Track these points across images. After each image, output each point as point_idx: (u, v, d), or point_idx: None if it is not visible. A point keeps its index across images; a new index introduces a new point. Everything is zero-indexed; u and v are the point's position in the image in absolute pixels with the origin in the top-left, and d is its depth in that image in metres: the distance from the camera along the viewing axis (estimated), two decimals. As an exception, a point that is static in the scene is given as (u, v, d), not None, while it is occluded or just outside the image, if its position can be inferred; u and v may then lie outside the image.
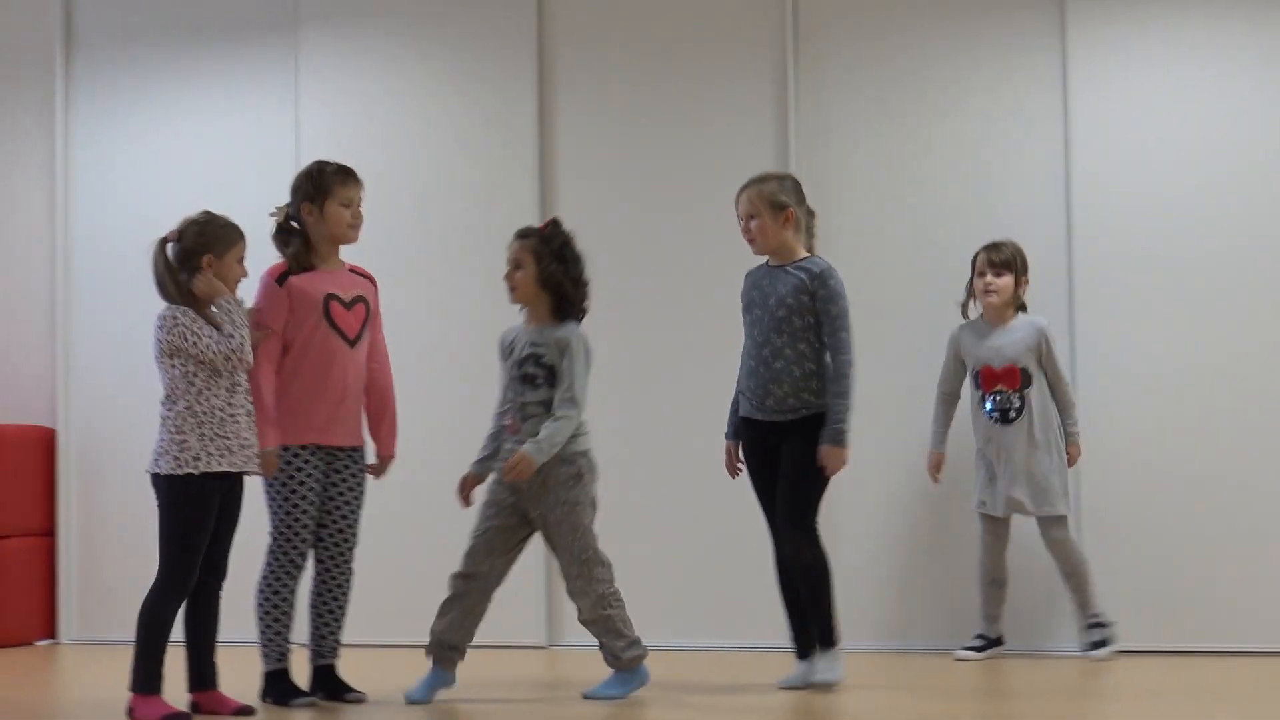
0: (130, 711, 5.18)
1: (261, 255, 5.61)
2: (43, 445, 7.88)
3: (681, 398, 7.14)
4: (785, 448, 5.68)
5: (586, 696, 5.58)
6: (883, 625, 6.95)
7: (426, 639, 5.61)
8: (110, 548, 7.73)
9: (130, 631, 5.19)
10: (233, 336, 5.16)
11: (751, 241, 5.82)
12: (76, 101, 8.02)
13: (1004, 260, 6.59)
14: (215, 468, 5.18)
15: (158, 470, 5.19)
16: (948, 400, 6.68)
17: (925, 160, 7.06)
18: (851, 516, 6.99)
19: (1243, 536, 6.63)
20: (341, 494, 5.61)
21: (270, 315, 5.52)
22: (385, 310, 5.83)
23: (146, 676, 5.18)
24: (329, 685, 5.61)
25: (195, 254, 5.25)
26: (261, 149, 7.67)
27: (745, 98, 7.23)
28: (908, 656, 6.70)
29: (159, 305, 5.24)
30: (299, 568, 5.55)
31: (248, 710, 5.29)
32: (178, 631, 5.26)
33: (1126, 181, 6.83)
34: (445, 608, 5.59)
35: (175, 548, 5.18)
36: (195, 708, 5.29)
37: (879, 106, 7.12)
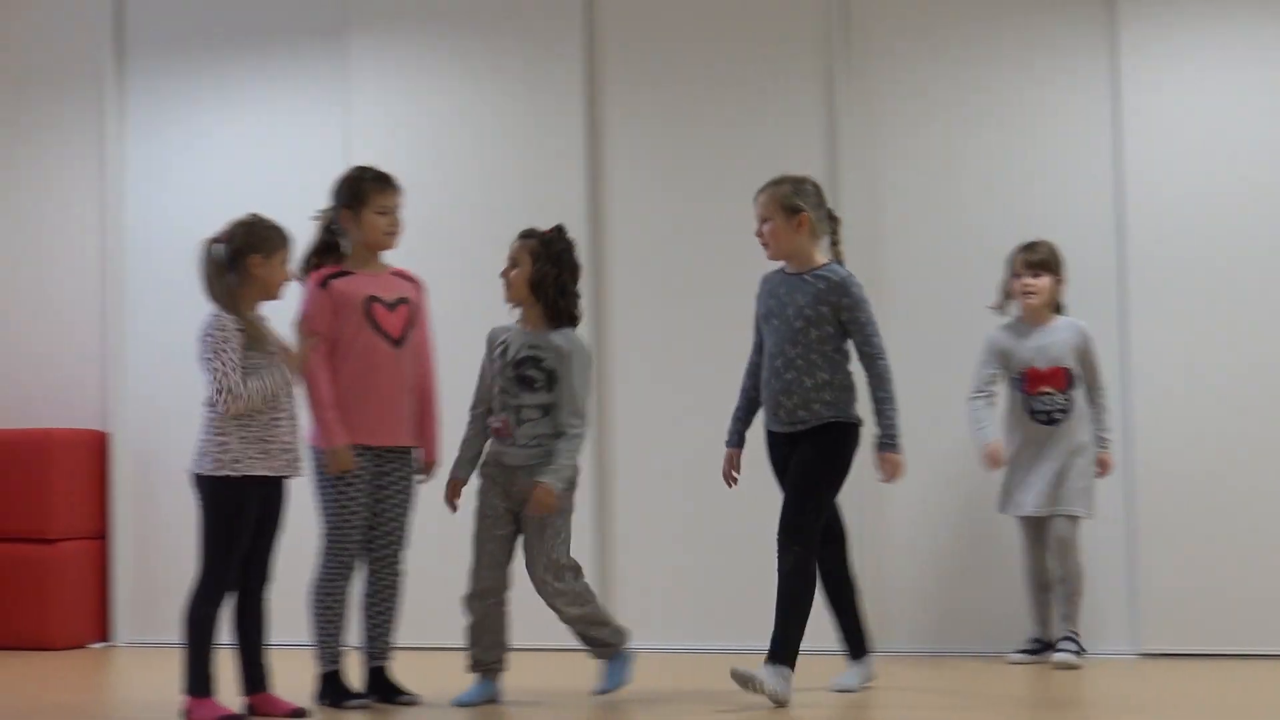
0: (185, 714, 5.21)
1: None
2: (95, 449, 7.93)
3: (728, 398, 7.12)
4: (793, 457, 5.55)
5: (598, 693, 5.59)
6: (925, 629, 6.94)
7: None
8: (163, 550, 7.76)
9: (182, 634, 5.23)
10: (231, 382, 5.15)
11: (765, 246, 5.68)
12: (127, 108, 8.07)
13: (1040, 260, 6.50)
14: (254, 471, 5.21)
15: (198, 470, 5.22)
16: (988, 402, 6.57)
17: (974, 162, 7.03)
18: (893, 520, 6.97)
19: (1299, 540, 6.60)
20: (390, 495, 5.63)
21: (316, 319, 5.55)
22: (434, 313, 5.84)
23: (198, 679, 5.21)
24: (381, 687, 5.63)
25: (243, 255, 5.28)
26: (311, 154, 7.69)
27: (793, 98, 7.22)
28: (952, 660, 6.68)
29: (208, 309, 5.27)
30: (351, 569, 5.56)
31: (301, 712, 5.31)
32: (228, 634, 5.29)
33: (1178, 182, 6.78)
34: (475, 634, 5.60)
35: (213, 549, 5.22)
36: (249, 710, 5.32)
37: (927, 107, 7.10)
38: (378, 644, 5.65)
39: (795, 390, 5.54)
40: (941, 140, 7.08)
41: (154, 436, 7.85)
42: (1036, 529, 6.48)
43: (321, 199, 5.77)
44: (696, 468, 6.93)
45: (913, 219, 7.08)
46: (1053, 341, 6.48)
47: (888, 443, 5.56)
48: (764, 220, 5.64)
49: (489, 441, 5.67)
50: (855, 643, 5.78)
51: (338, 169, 5.89)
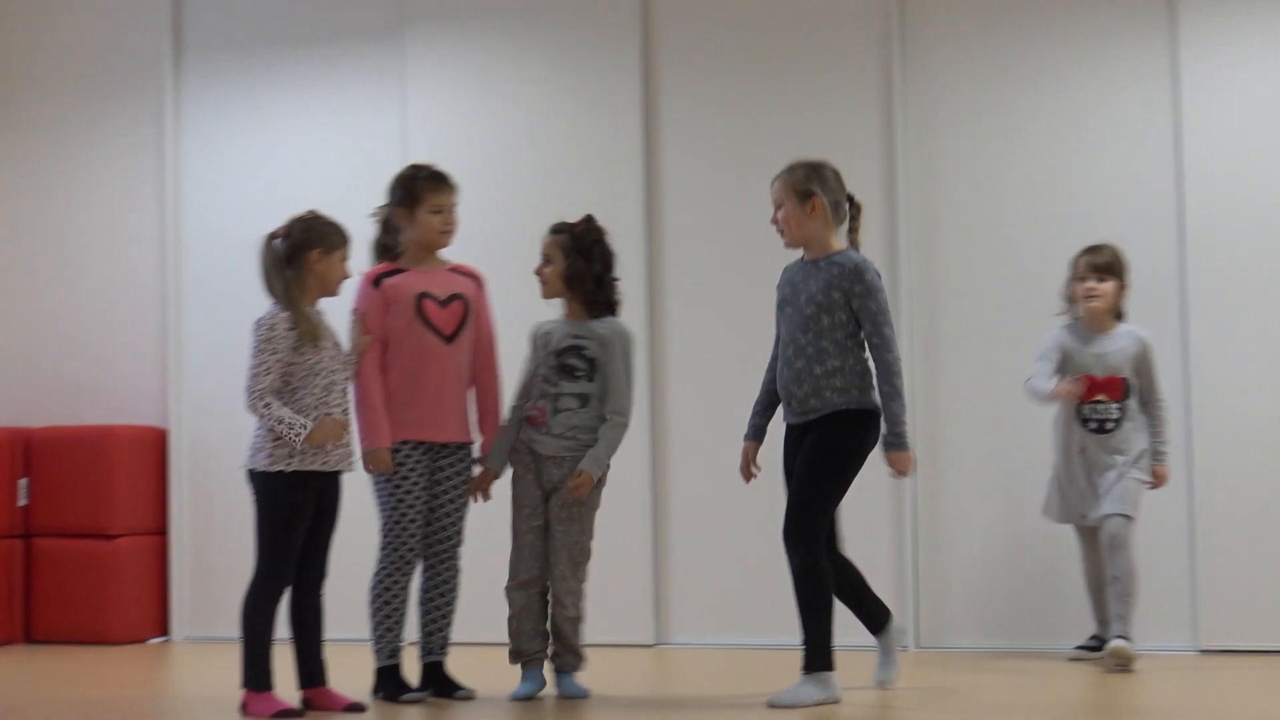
0: (243, 707, 5.24)
1: (366, 258, 5.69)
2: (155, 446, 7.98)
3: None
4: (802, 447, 5.40)
5: (563, 695, 5.60)
6: (984, 626, 6.92)
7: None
8: (221, 546, 7.81)
9: (239, 629, 5.27)
10: (260, 385, 5.19)
11: (781, 233, 5.55)
12: (186, 108, 8.11)
13: (1105, 264, 6.37)
14: (308, 466, 5.23)
15: (253, 466, 5.25)
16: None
17: (1031, 160, 7.00)
18: (951, 516, 6.96)
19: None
20: (446, 491, 5.64)
21: (369, 317, 5.58)
22: (492, 308, 5.84)
23: (256, 673, 5.24)
24: (438, 682, 5.64)
25: (302, 250, 5.31)
26: (368, 153, 7.71)
27: (850, 89, 7.20)
28: (1010, 657, 6.65)
29: (267, 306, 5.30)
30: (410, 564, 5.58)
31: (358, 707, 5.33)
32: (285, 629, 5.32)
33: (1240, 186, 6.74)
34: (517, 624, 5.63)
35: (269, 544, 5.25)
36: (307, 704, 5.34)
37: (985, 101, 7.07)
38: (434, 639, 5.66)
39: (805, 379, 5.40)
40: (998, 133, 7.05)
41: (212, 433, 7.90)
42: (1092, 534, 6.40)
43: (378, 198, 5.79)
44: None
45: (968, 215, 7.05)
46: (1113, 350, 6.36)
47: (893, 440, 5.38)
48: (778, 206, 5.53)
49: (521, 429, 5.69)
50: (874, 619, 5.66)
51: (395, 168, 5.91)
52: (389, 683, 5.57)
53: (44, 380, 8.22)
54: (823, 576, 5.33)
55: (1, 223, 8.35)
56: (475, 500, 5.70)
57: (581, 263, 5.64)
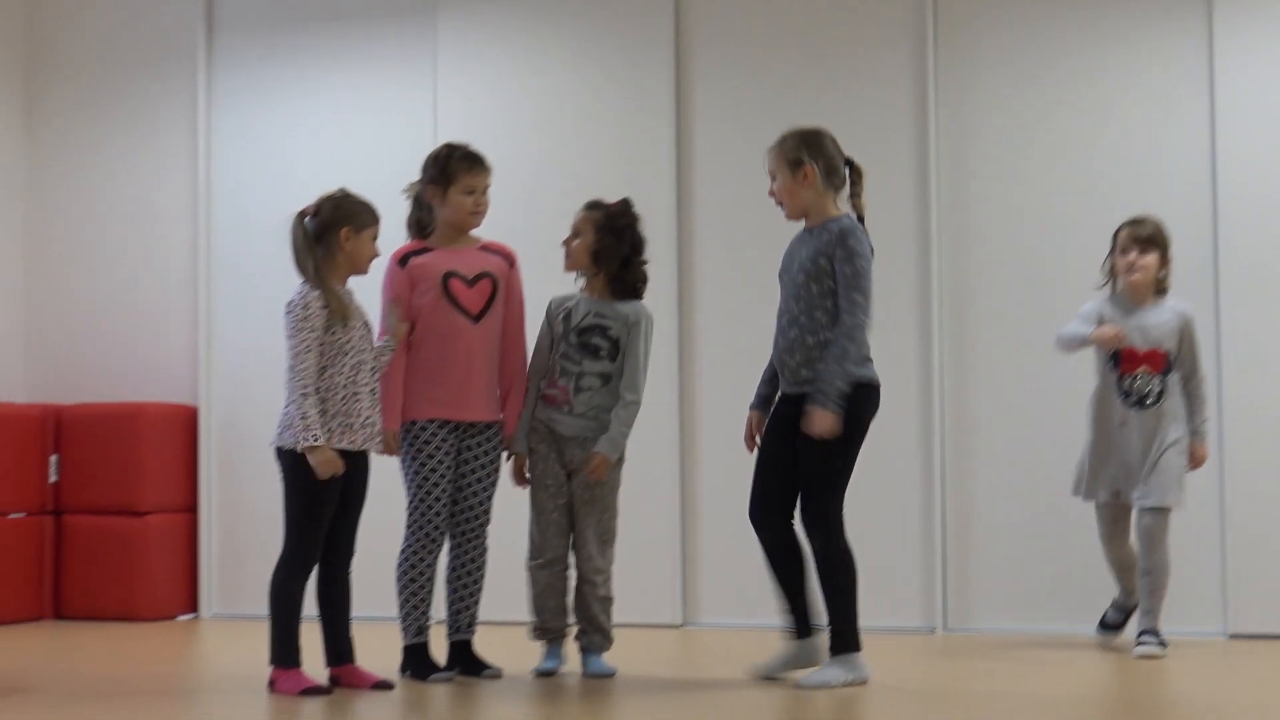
0: (271, 684, 5.26)
1: (398, 236, 5.69)
2: (186, 423, 8.00)
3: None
4: (801, 434, 5.30)
5: (589, 674, 5.58)
6: (1015, 607, 6.91)
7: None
8: (250, 523, 7.83)
9: (267, 606, 5.29)
10: (300, 366, 5.20)
11: (780, 205, 5.50)
12: (218, 86, 8.12)
13: (1148, 236, 6.25)
14: (335, 444, 5.24)
15: (281, 444, 5.26)
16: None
17: (1064, 137, 6.98)
18: (978, 497, 6.94)
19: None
20: (474, 470, 5.63)
21: (405, 305, 5.58)
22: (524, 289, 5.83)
23: (284, 650, 5.26)
24: (466, 661, 5.64)
25: (332, 227, 5.31)
26: (399, 133, 7.72)
27: (884, 70, 7.18)
28: (1035, 640, 6.64)
29: (297, 283, 5.31)
30: (436, 543, 5.58)
31: (386, 684, 5.34)
32: (312, 607, 5.33)
33: (1276, 165, 6.69)
34: (540, 602, 5.64)
35: (297, 522, 5.26)
36: (335, 682, 5.35)
37: (1018, 78, 7.05)
38: (462, 618, 5.66)
39: (798, 348, 5.35)
40: (1032, 110, 7.03)
41: (243, 410, 7.91)
42: (1117, 515, 6.26)
43: (409, 177, 5.78)
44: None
45: (1001, 188, 7.04)
46: (1156, 323, 6.23)
47: (821, 398, 5.23)
48: (773, 178, 5.49)
49: (538, 408, 5.68)
50: (803, 621, 5.53)
51: (426, 147, 5.91)
52: (416, 661, 5.57)
53: (75, 357, 8.25)
54: (846, 559, 5.31)
55: (34, 201, 8.38)
56: (520, 486, 5.71)
57: (612, 241, 5.63)
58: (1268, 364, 6.65)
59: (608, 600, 5.64)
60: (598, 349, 5.61)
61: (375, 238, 5.39)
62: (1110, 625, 6.42)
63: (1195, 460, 6.26)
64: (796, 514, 5.44)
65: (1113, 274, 6.37)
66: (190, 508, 7.99)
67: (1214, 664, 5.98)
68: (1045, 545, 6.89)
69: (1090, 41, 6.97)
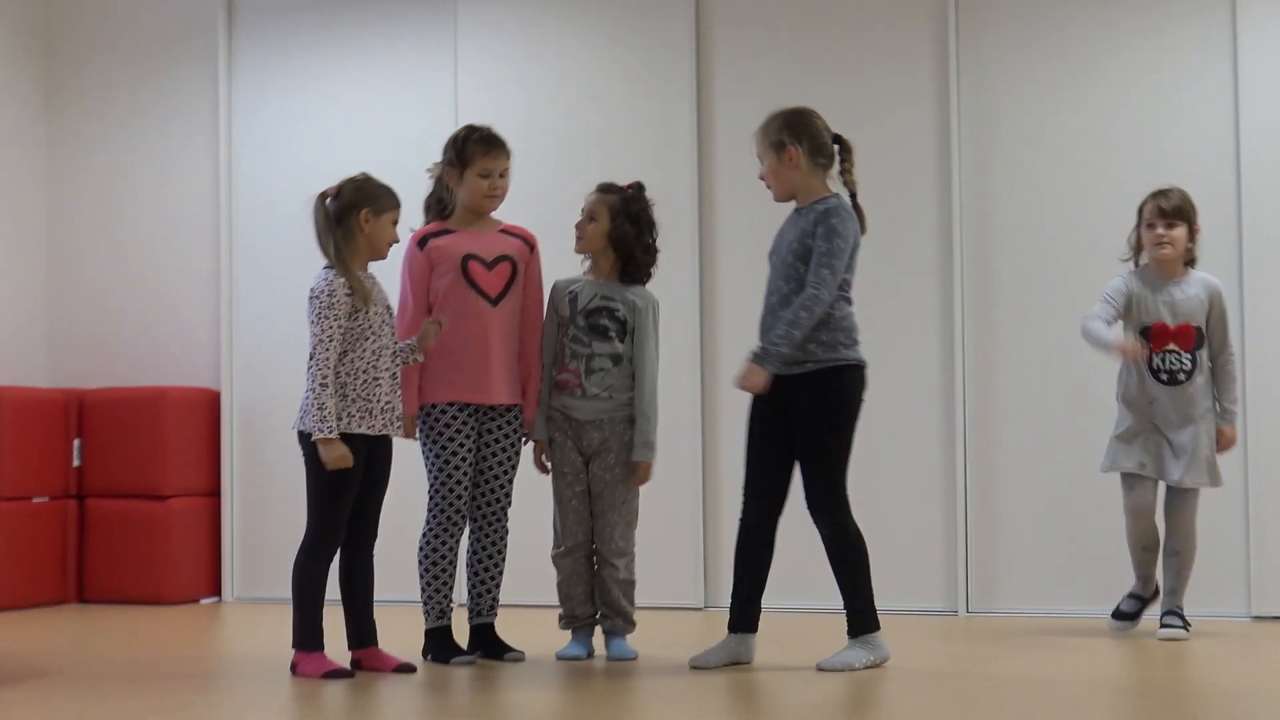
0: (294, 667, 5.27)
1: (419, 221, 5.69)
2: (208, 407, 8.01)
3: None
4: (795, 418, 5.27)
5: (612, 658, 5.58)
6: (1038, 589, 6.89)
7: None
8: (273, 507, 7.84)
9: (290, 589, 5.29)
10: (321, 355, 5.19)
11: (769, 189, 5.47)
12: (239, 72, 8.12)
13: (1174, 208, 6.10)
14: (356, 429, 5.24)
15: (303, 428, 5.26)
16: (1103, 321, 6.11)
17: (1086, 118, 6.95)
18: (1004, 479, 6.93)
19: None
20: (494, 453, 5.63)
21: (414, 277, 5.59)
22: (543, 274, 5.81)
23: (307, 634, 5.26)
24: (488, 644, 5.65)
25: (353, 209, 5.30)
26: (420, 117, 7.71)
27: (905, 54, 7.16)
28: (1057, 624, 6.62)
29: (319, 268, 5.30)
30: (458, 526, 5.58)
31: (408, 667, 5.34)
32: (335, 590, 5.33)
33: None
34: (567, 589, 5.64)
35: (320, 506, 5.27)
36: (357, 664, 5.36)
37: (1041, 60, 7.03)
38: (483, 601, 5.67)
39: None
40: (1054, 92, 7.01)
41: (264, 394, 7.92)
42: (1144, 491, 6.09)
43: (431, 160, 5.78)
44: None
45: (1023, 169, 7.02)
46: (1186, 297, 6.10)
47: (759, 355, 5.23)
48: (761, 161, 5.44)
49: (552, 394, 5.68)
50: (749, 616, 5.48)
51: (447, 130, 5.91)
52: (438, 644, 5.58)
53: (97, 342, 8.26)
54: (856, 540, 5.30)
55: (56, 187, 8.39)
56: (542, 473, 5.72)
57: (628, 226, 5.63)
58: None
59: (629, 583, 5.63)
60: (606, 330, 5.60)
61: (395, 222, 5.38)
62: (1126, 615, 6.29)
63: (1224, 442, 6.15)
64: (778, 504, 5.42)
65: (1138, 247, 6.23)
66: (213, 491, 8.01)
67: (1237, 646, 5.96)
68: (1068, 528, 6.88)
69: (1113, 14, 6.94)
